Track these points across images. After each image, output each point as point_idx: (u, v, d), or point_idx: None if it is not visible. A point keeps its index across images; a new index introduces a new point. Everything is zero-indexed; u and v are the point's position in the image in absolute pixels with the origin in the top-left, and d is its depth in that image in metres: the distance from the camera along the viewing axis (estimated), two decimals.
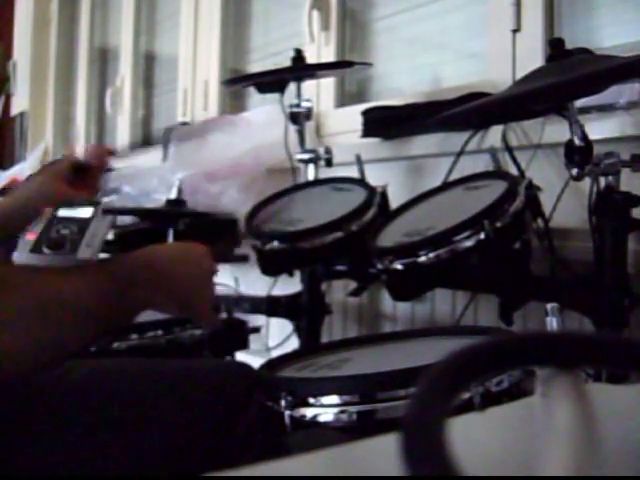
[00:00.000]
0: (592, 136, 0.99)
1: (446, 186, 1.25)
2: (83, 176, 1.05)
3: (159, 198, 1.87)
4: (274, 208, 1.39)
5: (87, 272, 0.70)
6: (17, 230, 1.09)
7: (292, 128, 1.62)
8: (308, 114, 1.59)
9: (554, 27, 1.47)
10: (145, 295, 0.73)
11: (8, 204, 1.09)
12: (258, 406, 0.83)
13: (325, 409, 0.80)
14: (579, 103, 1.06)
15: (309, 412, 0.80)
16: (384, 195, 1.30)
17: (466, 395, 0.74)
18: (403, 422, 0.23)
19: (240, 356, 1.38)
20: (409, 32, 1.92)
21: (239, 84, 1.81)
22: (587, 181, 1.02)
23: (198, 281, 0.80)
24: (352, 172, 1.45)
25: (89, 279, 0.68)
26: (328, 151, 1.56)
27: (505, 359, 0.28)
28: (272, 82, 1.58)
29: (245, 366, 0.92)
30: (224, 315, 1.34)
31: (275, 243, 1.23)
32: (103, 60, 3.58)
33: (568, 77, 0.91)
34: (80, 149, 1.17)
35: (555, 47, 0.99)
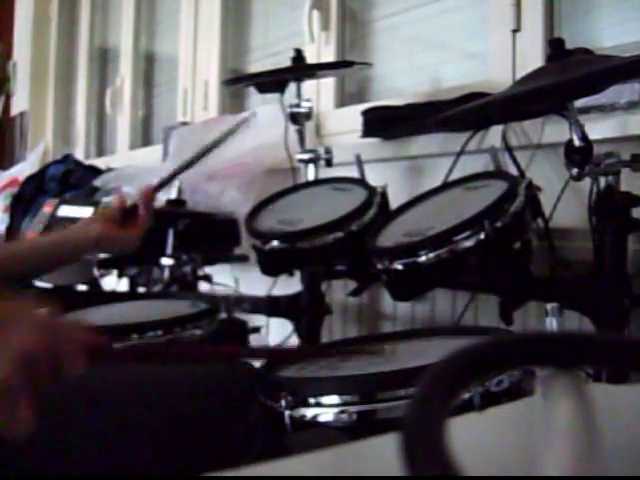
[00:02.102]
0: (592, 136, 0.99)
1: (446, 186, 1.25)
2: (132, 217, 1.13)
3: (159, 198, 1.88)
4: (274, 208, 1.39)
5: None
6: (50, 267, 1.16)
7: (292, 128, 1.62)
8: (308, 114, 1.59)
9: (554, 27, 1.47)
10: None
11: (46, 241, 1.15)
12: (259, 406, 0.83)
13: (325, 409, 0.80)
14: (579, 103, 1.06)
15: (309, 412, 0.80)
16: (384, 195, 1.30)
17: (466, 395, 0.74)
18: (403, 422, 0.23)
19: None
20: (409, 32, 1.92)
21: (239, 84, 1.81)
22: (587, 181, 1.02)
23: None
24: (352, 172, 1.45)
25: None
26: (328, 151, 1.56)
27: (505, 359, 0.28)
28: (272, 82, 1.58)
29: (246, 366, 0.92)
30: (224, 315, 1.34)
31: (275, 243, 1.23)
32: (103, 60, 3.58)
33: (568, 77, 0.91)
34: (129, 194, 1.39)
35: (555, 47, 0.99)
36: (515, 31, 1.49)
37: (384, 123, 1.63)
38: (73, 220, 1.62)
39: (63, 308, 1.26)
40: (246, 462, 0.30)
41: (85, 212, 1.61)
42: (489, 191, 1.08)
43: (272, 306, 1.59)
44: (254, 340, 1.47)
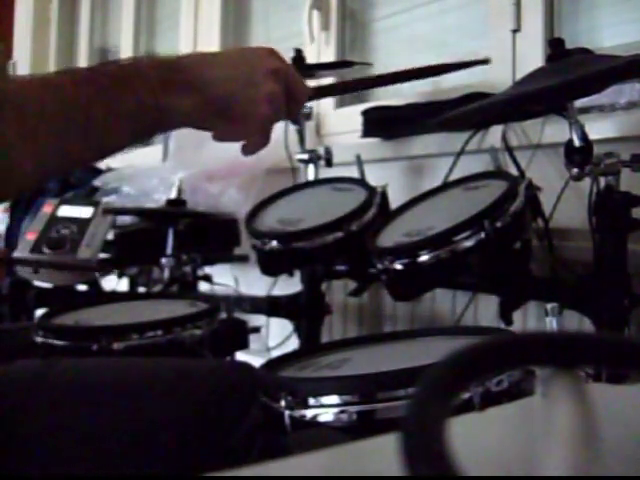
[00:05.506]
0: (592, 136, 0.99)
1: (446, 186, 1.25)
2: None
3: (159, 198, 1.88)
4: (274, 208, 1.39)
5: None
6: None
7: (292, 128, 1.62)
8: (308, 114, 1.59)
9: (554, 27, 1.47)
10: (166, 98, 0.62)
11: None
12: (259, 406, 0.83)
13: (325, 409, 0.80)
14: (579, 103, 1.06)
15: (309, 412, 0.80)
16: (384, 195, 1.30)
17: (466, 395, 0.74)
18: (403, 422, 0.23)
19: (240, 356, 1.38)
20: (409, 32, 1.92)
21: None
22: (587, 181, 1.02)
23: (244, 83, 0.63)
24: (352, 172, 1.45)
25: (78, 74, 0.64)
26: (328, 151, 1.56)
27: (505, 359, 0.28)
28: None
29: (247, 366, 0.92)
30: (224, 315, 1.34)
31: (275, 243, 1.23)
32: (103, 60, 3.58)
33: (568, 77, 0.91)
34: None
35: (555, 47, 0.99)
36: (515, 31, 1.49)
37: (384, 123, 1.64)
38: (73, 220, 1.61)
39: (63, 308, 1.26)
40: (246, 462, 0.30)
41: (85, 212, 1.61)
42: (489, 191, 1.08)
43: (272, 306, 1.59)
44: (254, 340, 1.47)
